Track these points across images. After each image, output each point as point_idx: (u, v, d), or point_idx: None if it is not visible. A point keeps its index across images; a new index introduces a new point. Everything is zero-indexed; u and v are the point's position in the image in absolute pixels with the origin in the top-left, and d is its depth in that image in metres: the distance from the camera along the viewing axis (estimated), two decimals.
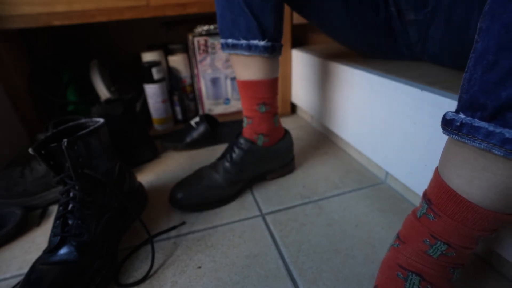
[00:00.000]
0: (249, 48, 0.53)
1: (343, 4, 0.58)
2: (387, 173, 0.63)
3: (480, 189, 0.29)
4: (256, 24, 0.51)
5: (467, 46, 0.29)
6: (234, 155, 0.60)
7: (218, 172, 0.60)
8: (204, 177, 0.60)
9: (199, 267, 0.46)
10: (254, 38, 0.52)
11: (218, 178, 0.59)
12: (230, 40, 0.54)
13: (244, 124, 0.62)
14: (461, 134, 0.29)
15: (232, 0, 0.50)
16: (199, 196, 0.58)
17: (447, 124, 0.30)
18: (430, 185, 0.36)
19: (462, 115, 0.29)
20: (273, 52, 0.54)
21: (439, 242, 0.33)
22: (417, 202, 0.56)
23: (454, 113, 0.30)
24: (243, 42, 0.53)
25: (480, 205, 0.30)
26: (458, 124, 0.29)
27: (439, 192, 0.33)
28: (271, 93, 0.59)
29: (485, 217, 0.30)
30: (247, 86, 0.57)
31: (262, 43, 0.52)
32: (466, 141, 0.28)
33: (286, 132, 0.67)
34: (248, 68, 0.56)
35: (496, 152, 0.26)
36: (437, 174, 0.34)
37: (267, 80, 0.57)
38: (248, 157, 0.60)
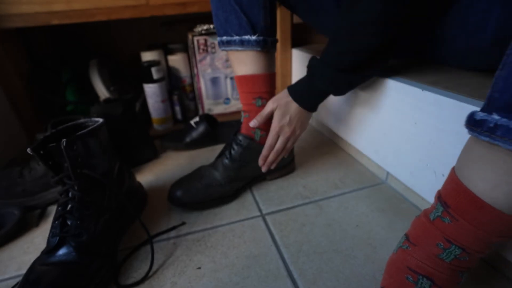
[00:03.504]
0: (242, 43, 0.56)
1: (334, 4, 0.58)
2: (387, 173, 0.63)
3: (506, 194, 0.28)
4: (246, 20, 0.54)
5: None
6: (233, 152, 0.60)
7: (217, 169, 0.60)
8: (203, 176, 0.60)
9: (199, 268, 0.46)
10: (246, 34, 0.55)
11: (218, 176, 0.59)
12: (224, 38, 0.57)
13: (242, 119, 0.63)
14: (494, 136, 0.27)
15: (223, 0, 0.54)
16: (198, 193, 0.58)
17: (477, 124, 0.28)
18: (445, 187, 0.34)
19: (496, 116, 0.27)
20: (265, 46, 0.56)
21: (453, 246, 0.32)
22: (418, 202, 0.56)
23: (486, 114, 0.28)
24: (236, 38, 0.56)
25: (504, 212, 0.29)
26: (492, 125, 0.27)
27: (458, 195, 0.32)
28: (267, 88, 0.60)
29: (508, 223, 0.29)
30: (243, 81, 0.60)
31: (253, 37, 0.55)
32: (500, 144, 0.26)
33: None
34: (243, 63, 0.58)
35: None
36: (454, 176, 0.33)
37: (262, 74, 0.59)
38: (247, 153, 0.60)
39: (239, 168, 0.61)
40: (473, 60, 0.51)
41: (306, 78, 0.55)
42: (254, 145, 0.61)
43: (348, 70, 0.51)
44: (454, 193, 0.32)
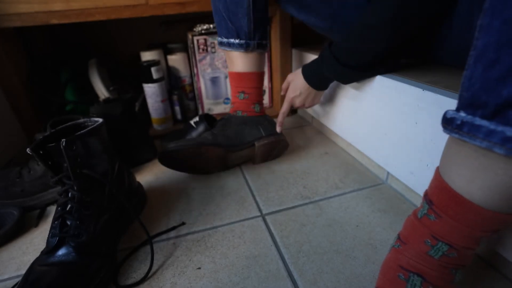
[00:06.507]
0: (229, 45, 0.65)
1: (326, 5, 0.58)
2: (388, 173, 0.63)
3: (481, 189, 0.29)
4: (231, 26, 0.62)
5: (469, 46, 0.29)
6: (217, 124, 0.69)
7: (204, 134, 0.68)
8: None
9: (199, 268, 0.46)
10: (232, 37, 0.63)
11: (205, 134, 0.67)
12: (218, 38, 0.67)
13: (229, 109, 0.72)
14: (461, 132, 0.28)
15: (216, 8, 0.63)
16: (189, 141, 0.63)
17: (448, 122, 0.30)
18: (430, 185, 0.35)
19: (462, 114, 0.28)
20: (248, 48, 0.64)
21: (440, 243, 0.33)
22: (418, 202, 0.56)
23: (454, 112, 0.29)
24: (225, 40, 0.65)
25: (481, 206, 0.29)
26: (459, 122, 0.28)
27: (440, 193, 0.33)
28: (250, 84, 0.68)
29: (487, 217, 0.30)
30: (231, 77, 0.69)
31: (236, 41, 0.63)
32: (467, 140, 0.28)
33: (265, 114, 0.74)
34: (232, 61, 0.68)
35: (498, 151, 0.26)
36: (437, 174, 0.34)
37: (246, 73, 0.67)
38: (227, 122, 0.69)
39: (222, 128, 0.68)
40: (465, 60, 0.51)
41: (316, 62, 0.63)
42: (236, 116, 0.70)
43: (354, 67, 0.56)
44: (437, 191, 0.34)
